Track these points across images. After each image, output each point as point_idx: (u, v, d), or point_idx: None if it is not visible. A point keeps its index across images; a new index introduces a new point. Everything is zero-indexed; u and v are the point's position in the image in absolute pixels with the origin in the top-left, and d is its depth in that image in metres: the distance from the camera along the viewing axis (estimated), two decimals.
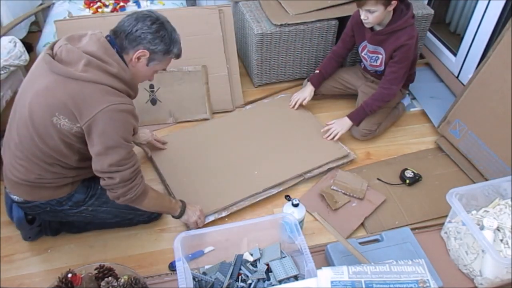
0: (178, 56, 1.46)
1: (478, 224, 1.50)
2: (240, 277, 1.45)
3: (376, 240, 1.61)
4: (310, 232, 1.74)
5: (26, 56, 1.92)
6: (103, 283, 1.29)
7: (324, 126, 2.11)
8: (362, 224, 1.76)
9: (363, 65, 2.25)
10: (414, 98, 2.42)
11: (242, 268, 1.47)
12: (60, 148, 1.35)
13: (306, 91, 2.24)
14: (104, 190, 1.42)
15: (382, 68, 2.10)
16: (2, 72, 1.82)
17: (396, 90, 2.04)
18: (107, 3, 2.48)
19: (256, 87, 2.50)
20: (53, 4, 2.56)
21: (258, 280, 1.43)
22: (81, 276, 1.32)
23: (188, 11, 2.30)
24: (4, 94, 1.89)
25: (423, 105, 2.36)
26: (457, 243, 1.55)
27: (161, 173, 1.91)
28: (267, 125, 2.17)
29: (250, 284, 1.42)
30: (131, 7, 2.48)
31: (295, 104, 2.24)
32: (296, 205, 1.56)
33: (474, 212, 1.59)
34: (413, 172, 1.92)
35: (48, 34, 2.29)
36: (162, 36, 1.36)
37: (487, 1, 2.13)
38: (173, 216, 1.64)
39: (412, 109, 2.37)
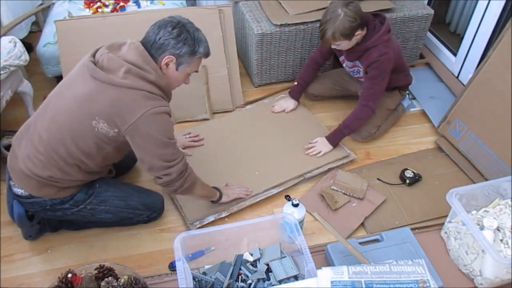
0: (206, 54, 1.48)
1: (478, 224, 1.50)
2: (240, 277, 1.45)
3: (376, 240, 1.61)
4: (310, 232, 1.74)
5: (26, 56, 1.92)
6: (103, 283, 1.29)
7: (324, 127, 2.11)
8: (362, 224, 1.76)
9: None
10: (414, 98, 2.42)
11: (242, 268, 1.47)
12: (89, 150, 1.41)
13: (291, 102, 2.25)
14: (103, 189, 1.44)
15: None
16: (2, 72, 1.82)
17: (374, 106, 1.98)
18: (107, 3, 2.48)
19: (256, 87, 2.50)
20: (53, 4, 2.56)
21: (258, 280, 1.43)
22: (81, 276, 1.32)
23: (188, 11, 2.30)
24: (4, 94, 1.89)
25: (423, 105, 2.36)
26: (457, 243, 1.55)
27: None
28: (267, 125, 2.17)
29: (250, 284, 1.42)
30: (131, 7, 2.48)
31: (278, 110, 2.24)
32: (296, 205, 1.56)
33: (474, 212, 1.59)
34: (413, 172, 1.92)
35: (48, 34, 2.29)
36: (184, 39, 1.38)
37: (487, 1, 2.13)
38: (212, 201, 1.73)
39: (412, 109, 2.36)
